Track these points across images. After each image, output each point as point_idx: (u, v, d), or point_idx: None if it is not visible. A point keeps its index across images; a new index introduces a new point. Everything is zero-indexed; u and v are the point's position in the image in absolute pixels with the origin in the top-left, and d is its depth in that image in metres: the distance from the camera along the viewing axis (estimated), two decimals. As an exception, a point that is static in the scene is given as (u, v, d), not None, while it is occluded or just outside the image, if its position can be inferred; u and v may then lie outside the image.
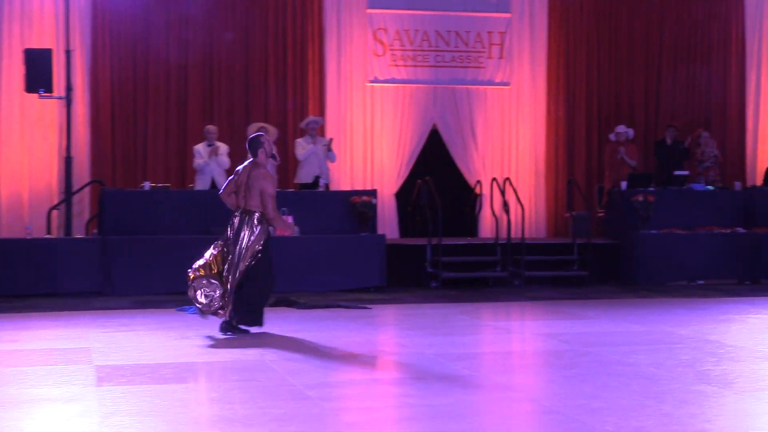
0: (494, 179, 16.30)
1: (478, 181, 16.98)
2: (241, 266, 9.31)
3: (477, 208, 17.12)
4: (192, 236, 13.45)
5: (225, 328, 9.37)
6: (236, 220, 9.43)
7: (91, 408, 6.15)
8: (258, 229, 9.38)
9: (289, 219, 13.79)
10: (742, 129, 18.54)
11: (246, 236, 9.35)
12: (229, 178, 9.68)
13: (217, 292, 9.35)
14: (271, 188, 9.41)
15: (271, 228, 9.69)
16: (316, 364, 7.80)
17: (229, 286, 9.33)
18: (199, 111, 16.66)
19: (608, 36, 18.15)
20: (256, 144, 9.60)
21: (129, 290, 13.01)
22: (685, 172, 16.13)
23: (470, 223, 17.34)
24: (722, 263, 15.00)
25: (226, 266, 9.39)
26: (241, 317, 9.39)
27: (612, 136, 16.93)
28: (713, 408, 6.20)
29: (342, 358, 8.27)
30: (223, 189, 9.66)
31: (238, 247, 9.35)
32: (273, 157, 9.93)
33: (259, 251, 9.36)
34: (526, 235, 15.44)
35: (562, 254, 15.23)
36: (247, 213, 9.40)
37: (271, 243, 9.57)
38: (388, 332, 10.11)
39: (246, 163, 9.60)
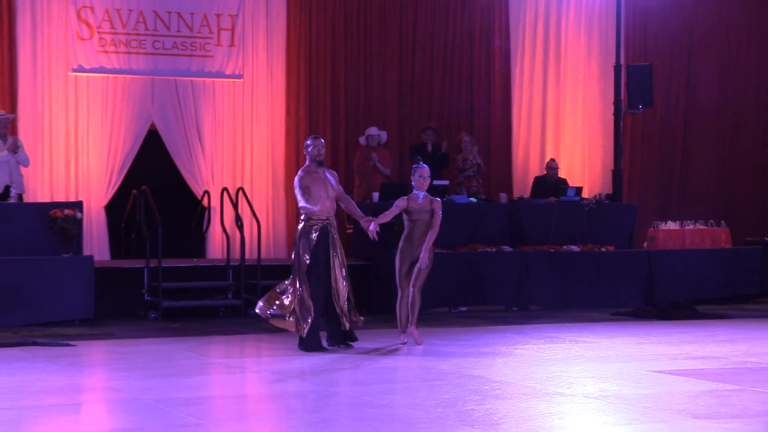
0: (225, 189, 16.27)
1: (206, 192, 16.89)
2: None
3: (205, 224, 17.02)
4: None
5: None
6: None
7: None
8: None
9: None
10: (508, 133, 19.19)
11: None
12: None
13: None
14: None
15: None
16: (3, 417, 7.54)
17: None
18: None
19: (356, 23, 18.44)
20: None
21: None
22: (445, 182, 16.37)
23: (197, 242, 17.23)
24: (486, 287, 15.45)
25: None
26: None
27: (362, 140, 17.23)
28: (477, 454, 6.40)
29: (39, 408, 8.04)
30: None
31: None
32: (321, 162, 11.35)
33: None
34: (263, 256, 15.52)
35: (305, 278, 15.34)
36: None
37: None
38: (97, 374, 9.91)
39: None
